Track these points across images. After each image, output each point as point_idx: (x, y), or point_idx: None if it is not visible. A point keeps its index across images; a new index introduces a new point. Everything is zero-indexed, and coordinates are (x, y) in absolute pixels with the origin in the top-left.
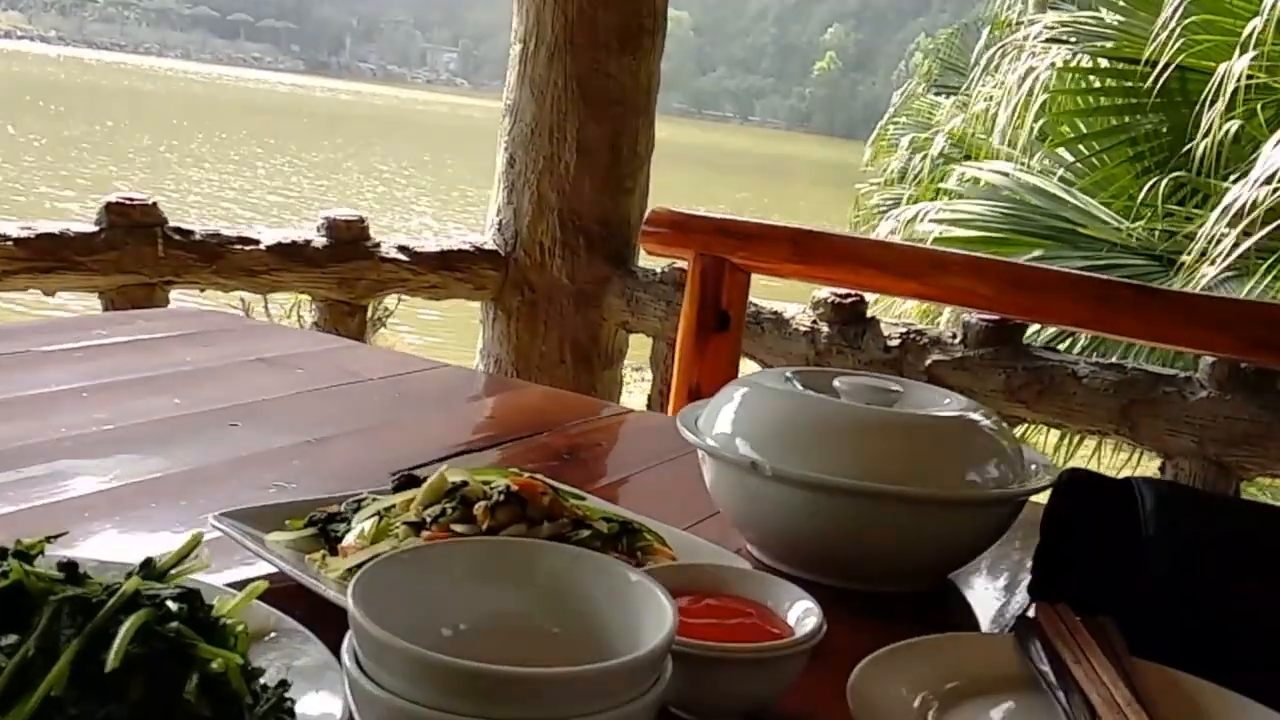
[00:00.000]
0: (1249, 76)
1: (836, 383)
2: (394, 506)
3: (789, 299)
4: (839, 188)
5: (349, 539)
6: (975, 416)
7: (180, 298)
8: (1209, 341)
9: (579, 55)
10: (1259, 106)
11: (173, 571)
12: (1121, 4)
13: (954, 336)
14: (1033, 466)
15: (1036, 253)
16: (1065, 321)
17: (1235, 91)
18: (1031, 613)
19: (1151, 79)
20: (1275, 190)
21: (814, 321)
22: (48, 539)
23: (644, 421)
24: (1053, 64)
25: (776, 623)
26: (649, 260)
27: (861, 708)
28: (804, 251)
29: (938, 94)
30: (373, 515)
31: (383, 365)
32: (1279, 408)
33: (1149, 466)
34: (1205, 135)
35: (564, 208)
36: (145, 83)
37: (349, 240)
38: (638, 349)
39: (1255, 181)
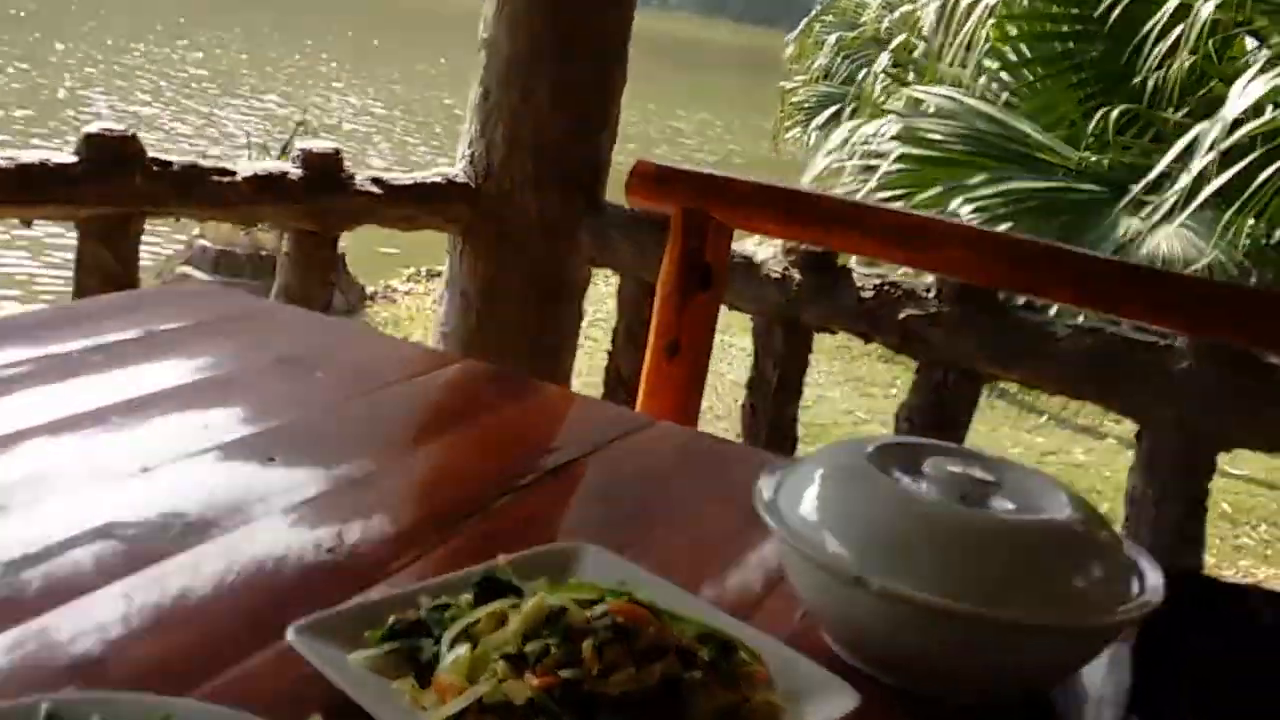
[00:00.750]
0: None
1: (927, 467)
2: (480, 622)
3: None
4: (757, 76)
5: (443, 671)
6: (1084, 524)
7: (154, 227)
8: (1197, 324)
9: None
10: (1211, 42)
11: None
12: None
13: (928, 291)
14: (1143, 569)
15: (992, 174)
16: (1062, 300)
17: (1189, 25)
18: None
19: (1102, 8)
20: (1237, 133)
21: (785, 269)
22: None
23: (680, 439)
24: None
25: None
26: (618, 197)
27: None
28: (792, 212)
29: None
30: (461, 634)
31: (399, 364)
32: (1261, 377)
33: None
34: (1158, 68)
35: (536, 144)
36: None
37: (324, 172)
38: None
39: (1223, 124)
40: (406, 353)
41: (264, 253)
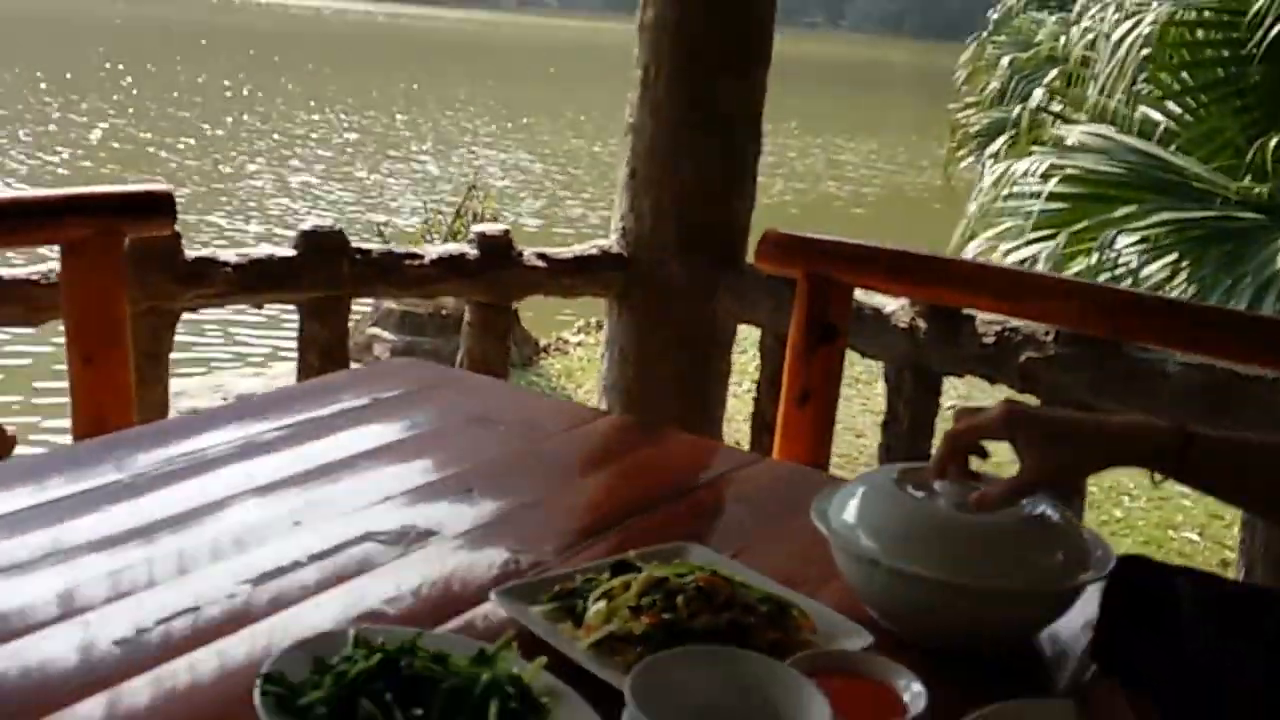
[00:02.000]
0: None
1: (936, 485)
2: (614, 589)
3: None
4: (931, 99)
5: (590, 617)
6: (1050, 519)
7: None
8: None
9: (695, 79)
10: None
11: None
12: None
13: (1046, 333)
14: (1097, 551)
15: (1146, 206)
16: (1148, 341)
17: None
18: (1090, 678)
19: (1260, 31)
20: None
21: (912, 319)
22: (416, 635)
23: (779, 471)
24: (1155, 21)
25: (895, 699)
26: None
27: None
28: (903, 272)
29: (1039, 9)
30: (601, 595)
31: (561, 418)
32: None
33: None
34: None
35: (679, 215)
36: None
37: (496, 250)
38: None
39: None
40: (567, 410)
41: (444, 312)
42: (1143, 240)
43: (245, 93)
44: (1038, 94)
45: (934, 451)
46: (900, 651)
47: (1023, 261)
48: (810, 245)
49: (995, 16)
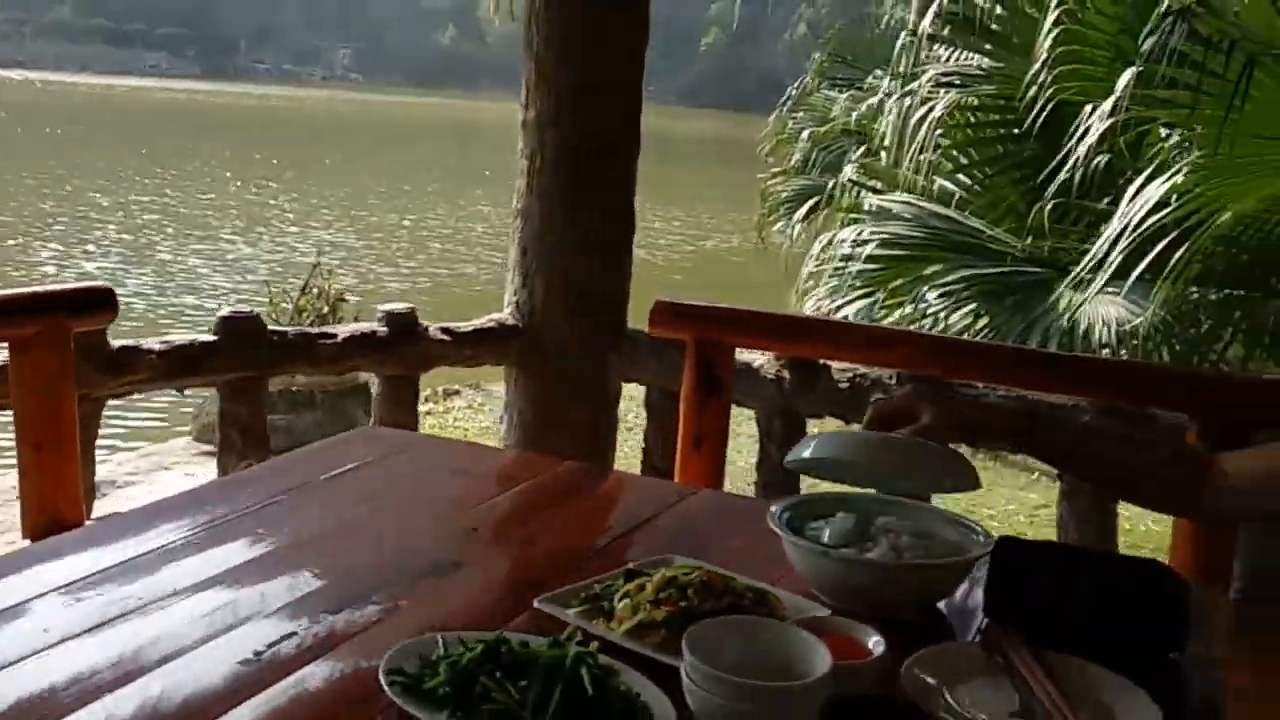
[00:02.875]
0: (1110, 115)
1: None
2: (631, 590)
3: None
4: (741, 168)
5: (620, 611)
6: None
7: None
8: (1084, 391)
9: (576, 167)
10: (1123, 138)
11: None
12: (999, 51)
13: (890, 377)
14: (980, 535)
15: (950, 264)
16: (986, 380)
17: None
18: (985, 626)
19: (1031, 115)
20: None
21: (778, 370)
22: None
23: (717, 499)
24: (945, 106)
25: (863, 648)
26: (639, 324)
27: (911, 686)
28: (779, 332)
29: (831, 89)
30: (623, 594)
31: (527, 467)
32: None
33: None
34: (1075, 167)
35: (569, 288)
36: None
37: (404, 327)
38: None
39: (1133, 218)
40: (530, 460)
41: (295, 389)
42: (947, 294)
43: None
44: (849, 169)
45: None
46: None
47: (847, 316)
48: (696, 311)
49: (794, 93)
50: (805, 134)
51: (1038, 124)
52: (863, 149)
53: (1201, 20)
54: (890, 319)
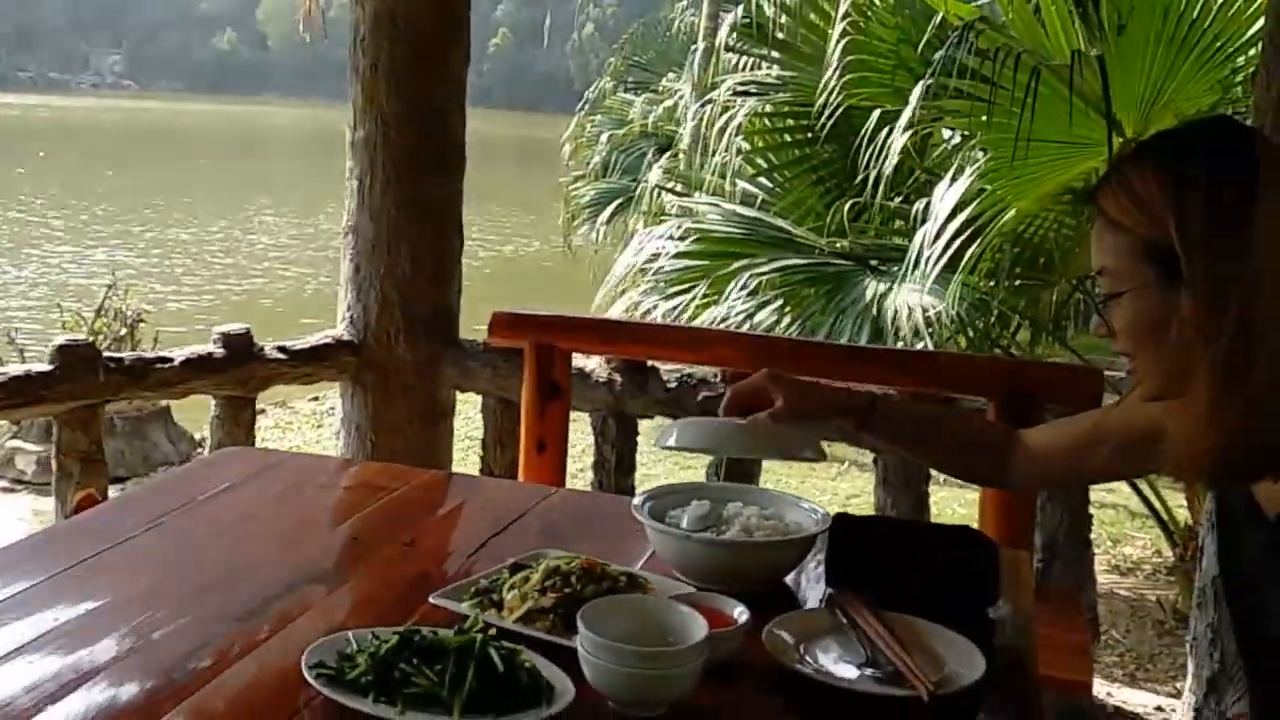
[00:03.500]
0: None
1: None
2: (515, 582)
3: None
4: (536, 171)
5: (510, 601)
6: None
7: None
8: (885, 378)
9: (405, 186)
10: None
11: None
12: (791, 60)
13: (715, 375)
14: (818, 514)
15: (763, 258)
16: (807, 373)
17: (893, 132)
18: (828, 592)
19: (823, 120)
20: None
21: (609, 374)
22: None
23: (574, 499)
24: (746, 113)
25: (729, 617)
26: (472, 334)
27: (772, 646)
28: (611, 336)
29: (627, 91)
30: (510, 585)
31: (400, 476)
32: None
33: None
34: (869, 168)
35: (403, 302)
36: None
37: (241, 349)
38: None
39: (938, 217)
40: (396, 471)
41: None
42: (759, 289)
43: None
44: (655, 173)
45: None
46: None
47: (665, 315)
48: (534, 320)
49: (590, 95)
50: (604, 137)
51: (830, 129)
52: (667, 154)
53: (985, 35)
54: (709, 313)
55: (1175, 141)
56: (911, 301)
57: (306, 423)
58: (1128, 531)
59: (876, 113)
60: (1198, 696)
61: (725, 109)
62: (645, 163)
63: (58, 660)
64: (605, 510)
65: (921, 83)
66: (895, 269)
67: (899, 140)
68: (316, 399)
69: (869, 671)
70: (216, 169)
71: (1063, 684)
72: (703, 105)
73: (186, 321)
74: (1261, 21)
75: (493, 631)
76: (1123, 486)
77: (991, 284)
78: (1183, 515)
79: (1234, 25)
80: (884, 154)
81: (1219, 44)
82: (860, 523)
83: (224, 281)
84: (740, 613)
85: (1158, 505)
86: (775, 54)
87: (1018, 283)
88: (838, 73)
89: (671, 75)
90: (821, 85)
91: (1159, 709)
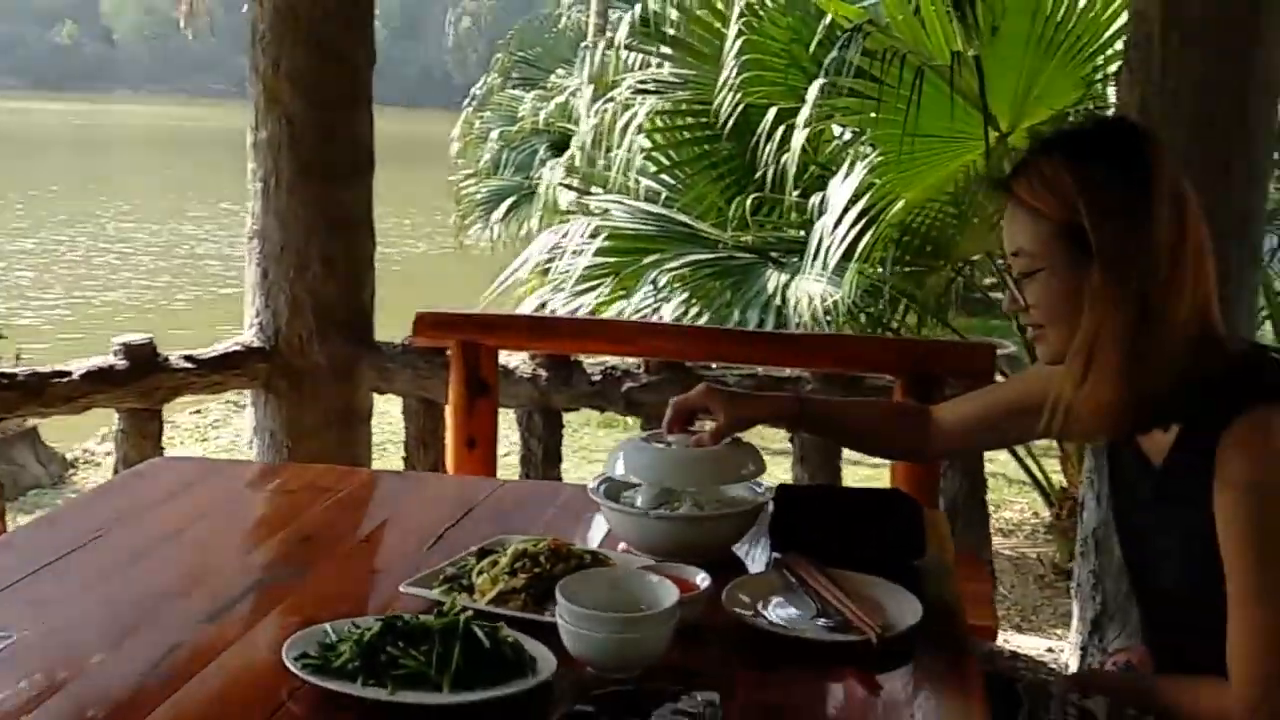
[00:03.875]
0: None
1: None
2: (483, 566)
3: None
4: (418, 168)
5: (481, 584)
6: (737, 451)
7: None
8: (800, 361)
9: (313, 187)
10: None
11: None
12: (689, 59)
13: (639, 366)
14: (760, 488)
15: (672, 253)
16: (730, 360)
17: (789, 128)
18: (773, 557)
19: (722, 118)
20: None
21: (534, 369)
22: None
23: (517, 487)
24: (648, 111)
25: (693, 584)
26: (387, 335)
27: (731, 606)
28: (537, 333)
29: (515, 87)
30: (479, 570)
31: (345, 477)
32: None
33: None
34: (768, 164)
35: (315, 305)
36: None
37: (143, 360)
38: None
39: (832, 210)
40: (337, 472)
41: None
42: (675, 279)
43: None
44: (556, 170)
45: (665, 417)
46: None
47: (576, 310)
48: (459, 319)
49: (478, 92)
50: (495, 134)
51: (729, 126)
52: (567, 154)
53: (872, 37)
54: (615, 308)
55: (1080, 137)
56: (811, 290)
57: (189, 437)
58: (1007, 497)
59: (773, 110)
60: (1083, 636)
61: (626, 106)
62: (538, 160)
63: (28, 668)
64: (554, 498)
65: (817, 82)
66: (795, 260)
67: (799, 137)
68: (198, 412)
69: (821, 622)
70: (60, 172)
71: (974, 629)
72: (604, 103)
73: (42, 338)
74: (1123, 19)
75: (469, 613)
76: (1001, 455)
77: (882, 271)
78: (1058, 479)
79: (1094, 27)
80: (782, 150)
81: (1081, 44)
82: (799, 491)
83: (80, 293)
84: (702, 579)
85: (1035, 471)
86: (671, 52)
87: (906, 269)
88: (734, 71)
89: (561, 71)
90: (720, 84)
91: (1050, 650)
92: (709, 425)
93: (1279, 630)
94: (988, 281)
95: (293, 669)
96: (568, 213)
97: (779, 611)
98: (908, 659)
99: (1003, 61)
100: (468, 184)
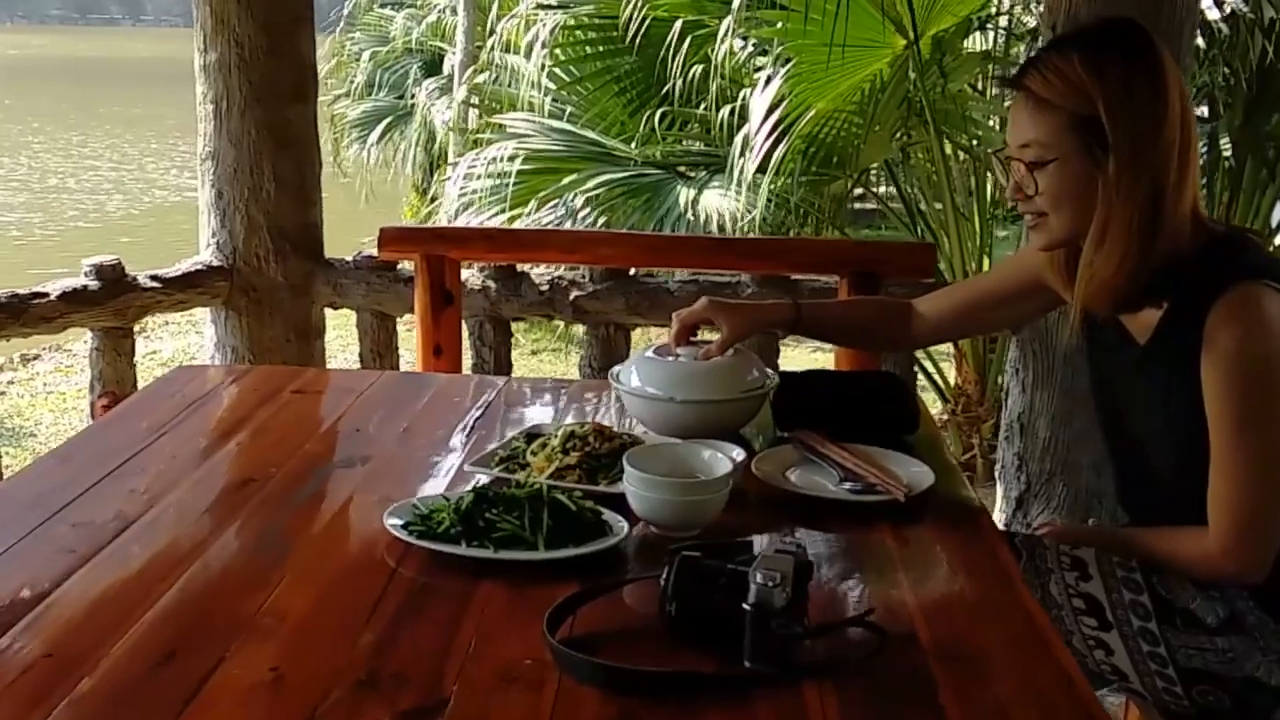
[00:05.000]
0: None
1: (681, 352)
2: (533, 448)
3: None
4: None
5: (536, 462)
6: (740, 365)
7: None
8: (750, 266)
9: (264, 108)
10: (712, 50)
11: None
12: None
13: (584, 276)
14: (760, 376)
15: (586, 173)
16: (675, 265)
17: (697, 42)
18: (782, 434)
19: (631, 32)
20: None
21: (484, 281)
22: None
23: (520, 386)
24: (552, 27)
25: (730, 458)
26: (338, 252)
27: (764, 475)
28: (499, 244)
29: (382, 6)
30: (534, 453)
31: (352, 382)
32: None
33: None
34: (676, 78)
35: (270, 224)
36: None
37: (114, 280)
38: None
39: (751, 123)
40: (357, 375)
41: None
42: (592, 199)
43: None
44: (461, 90)
45: (670, 331)
46: None
47: None
48: (424, 232)
49: (346, 12)
50: (366, 55)
51: (634, 39)
52: (472, 71)
53: None
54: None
55: (1094, 36)
56: (721, 204)
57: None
58: None
59: (679, 23)
60: (1007, 514)
61: (530, 23)
62: (411, 80)
63: (154, 547)
64: (553, 393)
65: None
66: (702, 174)
67: (722, 49)
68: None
69: (847, 485)
70: None
71: None
72: (508, 20)
73: None
74: None
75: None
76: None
77: (789, 183)
78: (954, 379)
79: None
80: (689, 64)
81: None
82: (800, 376)
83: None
84: (738, 453)
85: (933, 372)
86: None
87: (812, 179)
88: None
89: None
90: None
91: None
92: (713, 337)
93: (1255, 482)
94: (882, 190)
95: (402, 536)
96: (478, 134)
97: (806, 478)
98: (930, 516)
99: None
100: (340, 106)
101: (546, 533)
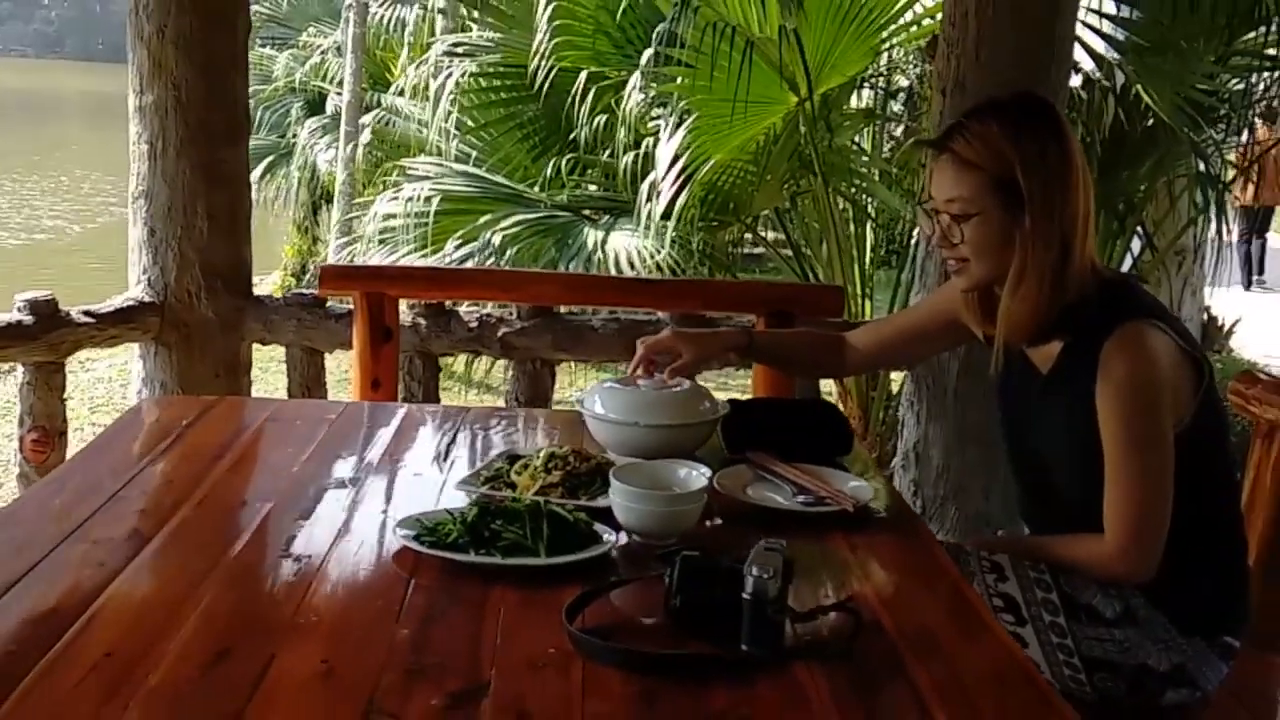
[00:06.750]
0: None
1: (639, 382)
2: (516, 468)
3: None
4: (119, 128)
5: (522, 481)
6: (694, 393)
7: None
8: (673, 305)
9: (199, 149)
10: (614, 105)
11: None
12: (502, 24)
13: (513, 313)
14: (712, 404)
15: (498, 214)
16: (605, 303)
17: (600, 92)
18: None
19: (537, 81)
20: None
21: (414, 318)
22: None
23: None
24: (460, 75)
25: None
26: (268, 290)
27: (725, 490)
28: (437, 282)
29: (263, 45)
30: (518, 473)
31: (325, 411)
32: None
33: None
34: (581, 126)
35: (202, 261)
36: None
37: (48, 315)
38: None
39: (657, 170)
40: (319, 405)
41: None
42: (508, 238)
43: None
44: (366, 135)
45: (635, 358)
46: None
47: None
48: (364, 270)
49: None
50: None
51: (539, 88)
52: (375, 117)
53: (702, 11)
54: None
55: (1009, 107)
56: (628, 245)
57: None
58: None
59: (583, 74)
60: None
61: (437, 70)
62: (293, 118)
63: (188, 550)
64: (513, 417)
65: (648, 51)
66: (606, 218)
67: (631, 100)
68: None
69: (800, 499)
70: None
71: None
72: (417, 67)
73: None
74: None
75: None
76: None
77: (689, 228)
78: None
79: (884, 1)
80: (594, 113)
81: (873, 17)
82: (747, 404)
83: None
84: (706, 470)
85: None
86: (484, 17)
87: (710, 224)
88: (546, 36)
89: (313, 30)
90: (534, 48)
91: None
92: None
93: (1144, 493)
94: (770, 236)
95: (415, 546)
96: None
97: (761, 493)
98: (875, 524)
99: (805, 32)
100: None
101: (547, 541)
